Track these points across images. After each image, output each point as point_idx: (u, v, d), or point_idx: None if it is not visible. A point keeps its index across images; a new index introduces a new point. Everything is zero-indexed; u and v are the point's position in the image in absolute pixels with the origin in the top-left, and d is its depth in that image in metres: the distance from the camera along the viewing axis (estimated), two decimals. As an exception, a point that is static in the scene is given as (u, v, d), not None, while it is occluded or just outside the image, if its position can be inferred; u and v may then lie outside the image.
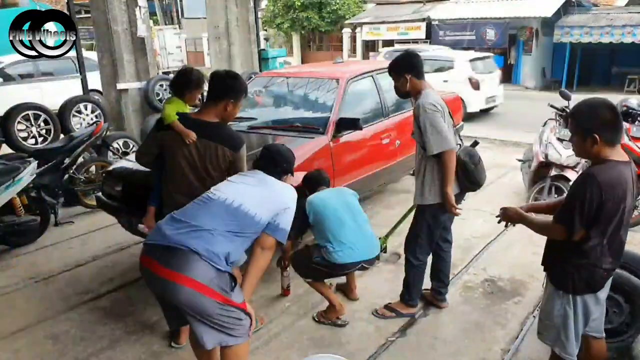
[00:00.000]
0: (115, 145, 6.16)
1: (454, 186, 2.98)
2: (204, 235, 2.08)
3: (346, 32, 21.86)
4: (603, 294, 2.18)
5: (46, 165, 4.90)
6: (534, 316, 3.33)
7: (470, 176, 3.07)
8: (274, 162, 2.47)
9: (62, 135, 6.26)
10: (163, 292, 2.11)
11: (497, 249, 4.37)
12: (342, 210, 3.11)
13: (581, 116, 2.02)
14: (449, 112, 3.08)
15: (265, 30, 23.63)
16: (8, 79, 9.48)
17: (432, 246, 3.28)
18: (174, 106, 2.81)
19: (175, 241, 2.05)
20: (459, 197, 3.14)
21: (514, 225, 2.40)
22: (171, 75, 10.21)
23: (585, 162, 5.25)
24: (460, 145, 3.14)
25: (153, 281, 2.12)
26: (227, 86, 2.68)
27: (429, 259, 3.33)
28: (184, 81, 2.91)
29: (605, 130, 1.95)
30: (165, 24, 25.41)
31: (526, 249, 4.32)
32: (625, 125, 5.02)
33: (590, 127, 1.96)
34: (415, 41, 18.81)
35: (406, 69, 2.99)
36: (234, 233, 2.14)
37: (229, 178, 2.42)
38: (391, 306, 3.35)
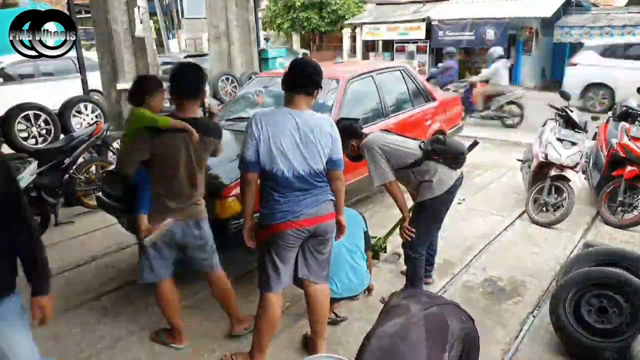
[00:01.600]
0: (115, 145, 6.13)
1: (435, 188, 3.16)
2: None
3: (346, 32, 21.83)
4: None
5: (46, 165, 4.89)
6: (533, 316, 3.34)
7: (447, 153, 3.20)
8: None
9: (62, 135, 6.25)
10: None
11: (497, 249, 4.37)
12: (344, 247, 3.05)
13: None
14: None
15: (265, 30, 23.63)
16: (8, 79, 9.45)
17: (429, 239, 3.43)
18: (149, 112, 2.72)
19: None
20: (453, 191, 3.24)
21: None
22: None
23: (585, 161, 5.26)
24: (421, 147, 3.28)
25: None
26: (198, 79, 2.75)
27: None
28: (139, 89, 2.86)
29: None
30: (166, 24, 25.41)
31: (526, 249, 4.33)
32: (625, 125, 5.02)
33: None
34: (415, 41, 18.80)
35: (350, 137, 3.26)
36: None
37: None
38: None
